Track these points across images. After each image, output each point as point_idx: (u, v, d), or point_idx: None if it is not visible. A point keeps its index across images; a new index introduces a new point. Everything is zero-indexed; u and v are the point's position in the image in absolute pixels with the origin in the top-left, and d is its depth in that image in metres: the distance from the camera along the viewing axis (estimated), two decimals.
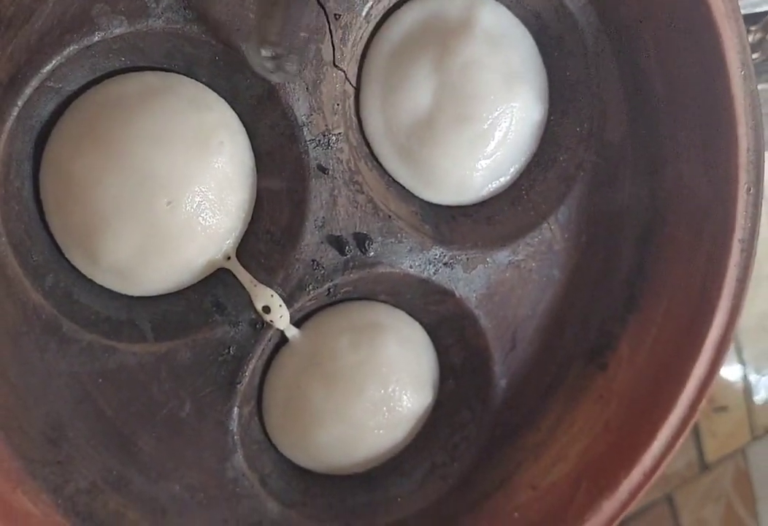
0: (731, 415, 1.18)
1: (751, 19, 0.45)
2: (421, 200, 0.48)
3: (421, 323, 0.50)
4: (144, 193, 0.40)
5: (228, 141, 0.42)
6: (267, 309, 0.44)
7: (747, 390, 1.20)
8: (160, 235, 0.41)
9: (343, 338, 0.47)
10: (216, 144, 0.41)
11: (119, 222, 0.41)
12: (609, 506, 0.48)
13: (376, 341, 0.48)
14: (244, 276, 0.44)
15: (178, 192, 0.41)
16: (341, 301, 0.49)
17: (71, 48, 0.38)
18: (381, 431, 0.48)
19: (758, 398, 1.19)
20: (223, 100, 0.43)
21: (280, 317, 0.44)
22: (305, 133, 0.42)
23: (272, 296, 0.44)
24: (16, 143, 0.39)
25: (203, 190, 0.42)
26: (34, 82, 0.38)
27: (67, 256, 0.42)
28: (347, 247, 0.45)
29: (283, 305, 0.44)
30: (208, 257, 0.44)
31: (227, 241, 0.44)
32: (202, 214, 0.42)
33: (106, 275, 0.43)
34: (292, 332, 0.47)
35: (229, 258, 0.44)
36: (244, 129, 0.44)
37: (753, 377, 1.20)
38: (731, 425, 1.19)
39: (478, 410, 0.51)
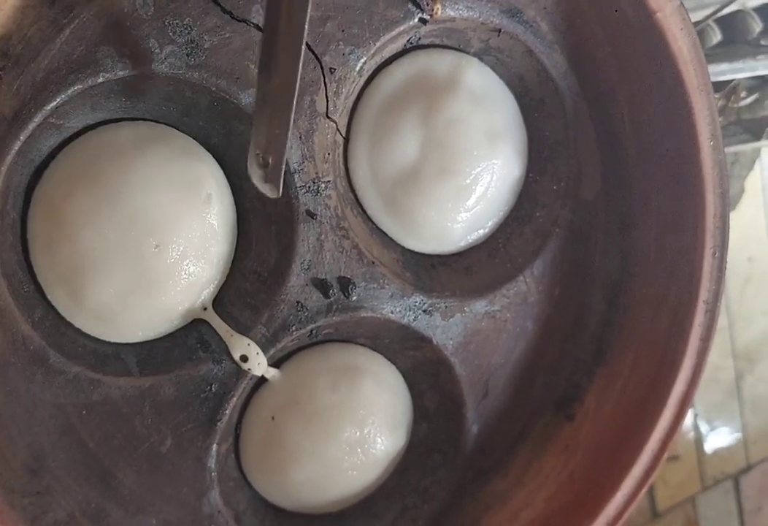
0: (683, 464, 1.18)
1: (715, 87, 0.45)
2: (403, 248, 0.48)
3: (397, 367, 0.49)
4: (133, 235, 0.40)
5: (215, 194, 0.41)
6: (244, 358, 0.43)
7: (698, 440, 1.19)
8: (146, 278, 0.40)
9: (322, 378, 0.46)
10: (204, 195, 0.41)
11: (107, 262, 0.40)
12: None
13: (354, 383, 0.47)
14: (220, 327, 0.43)
15: (166, 236, 0.40)
16: (322, 342, 0.48)
17: (75, 87, 0.37)
18: (355, 472, 0.47)
19: (708, 448, 1.19)
20: (210, 155, 0.43)
21: (258, 365, 0.43)
22: (296, 180, 0.42)
23: (249, 345, 0.43)
24: (15, 176, 0.39)
25: (189, 237, 0.41)
26: (38, 119, 0.37)
27: (48, 296, 0.41)
28: (331, 291, 0.44)
29: (260, 352, 0.43)
30: (188, 306, 0.42)
31: (205, 291, 0.43)
32: (187, 261, 0.41)
33: (87, 318, 0.42)
34: (271, 373, 0.46)
35: (205, 309, 0.43)
36: (228, 186, 0.43)
37: (704, 428, 1.19)
38: (682, 474, 1.18)
39: (449, 454, 0.50)
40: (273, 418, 0.46)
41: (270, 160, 0.37)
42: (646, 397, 0.48)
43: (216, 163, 0.43)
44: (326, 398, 0.46)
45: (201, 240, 0.41)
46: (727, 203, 0.46)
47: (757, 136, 0.73)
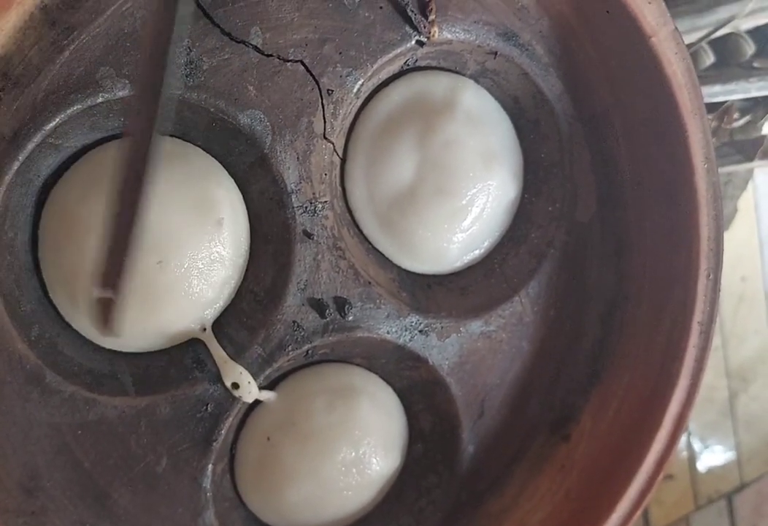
0: (677, 483, 1.17)
1: (708, 108, 0.45)
2: (399, 268, 0.48)
3: (393, 387, 0.49)
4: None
5: (228, 220, 0.41)
6: (236, 385, 0.43)
7: (692, 459, 1.19)
8: (145, 291, 0.40)
9: (318, 399, 0.46)
10: (216, 219, 0.41)
11: None
12: None
13: (350, 403, 0.47)
14: (216, 351, 0.42)
15: (170, 253, 0.40)
16: (317, 362, 0.48)
17: (75, 107, 0.37)
18: (350, 493, 0.47)
19: (702, 467, 1.18)
20: (232, 181, 0.43)
21: (249, 393, 0.43)
22: (293, 200, 0.42)
23: (241, 373, 0.42)
24: (13, 196, 0.39)
25: (193, 257, 0.41)
26: (37, 139, 0.37)
27: (52, 297, 0.41)
28: (327, 311, 0.44)
29: (252, 381, 0.43)
30: (186, 324, 0.42)
31: (206, 312, 0.43)
32: (188, 280, 0.41)
33: (84, 321, 0.41)
34: (265, 396, 0.45)
35: (204, 330, 0.43)
36: (246, 214, 0.43)
37: (698, 446, 1.19)
38: (677, 493, 1.18)
39: (445, 475, 0.49)
40: (269, 438, 0.46)
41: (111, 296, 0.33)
42: (641, 417, 0.48)
43: (236, 187, 0.43)
44: (322, 419, 0.46)
45: (206, 262, 0.41)
46: (721, 225, 0.46)
47: (749, 157, 0.73)
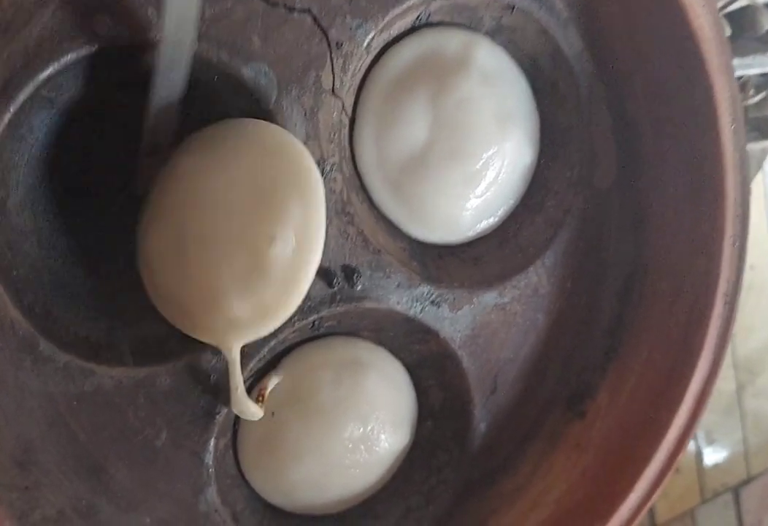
0: (683, 476, 1.16)
1: None
2: (409, 238, 0.46)
3: (402, 361, 0.47)
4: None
5: None
6: (241, 413, 0.40)
7: (698, 453, 1.17)
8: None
9: (324, 373, 0.44)
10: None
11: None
12: None
13: (357, 377, 0.44)
14: (235, 378, 0.39)
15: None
16: (324, 335, 0.46)
17: (69, 56, 0.35)
18: (357, 471, 0.45)
19: (708, 460, 1.17)
20: None
21: (254, 416, 0.41)
22: None
23: (248, 405, 0.40)
24: (4, 152, 0.36)
25: None
26: (28, 90, 0.35)
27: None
28: (335, 280, 0.42)
29: (258, 411, 0.40)
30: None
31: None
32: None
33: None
34: (274, 382, 0.43)
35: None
36: None
37: (704, 440, 1.18)
38: (682, 486, 1.16)
39: (455, 453, 0.47)
40: (273, 413, 0.44)
41: None
42: (660, 394, 0.46)
43: None
44: (328, 394, 0.44)
45: None
46: (747, 190, 0.44)
47: (765, 135, 0.71)
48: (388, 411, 0.45)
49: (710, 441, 1.20)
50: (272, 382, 0.43)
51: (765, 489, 1.27)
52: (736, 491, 1.22)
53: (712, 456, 1.19)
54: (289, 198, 0.37)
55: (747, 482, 1.23)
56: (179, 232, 0.38)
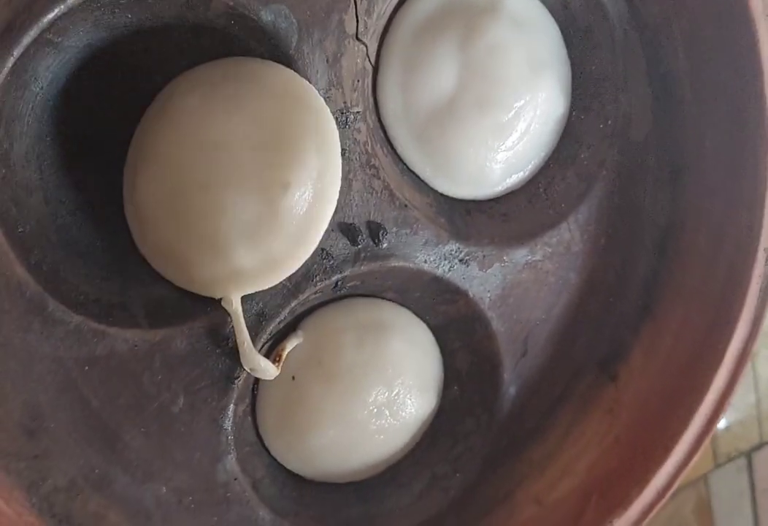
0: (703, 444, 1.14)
1: None
2: (435, 192, 0.43)
3: (427, 323, 0.45)
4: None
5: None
6: (253, 370, 0.38)
7: None
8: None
9: (347, 336, 0.42)
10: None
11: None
12: (620, 524, 0.43)
13: (381, 340, 0.42)
14: (240, 330, 0.37)
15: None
16: (346, 296, 0.43)
17: None
18: (382, 436, 0.43)
19: (721, 424, 1.15)
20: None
21: (267, 373, 0.38)
22: None
23: (261, 363, 0.38)
24: (8, 100, 0.34)
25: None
26: (33, 32, 0.32)
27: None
28: (360, 237, 0.39)
29: (270, 365, 0.38)
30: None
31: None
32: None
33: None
34: (293, 343, 0.41)
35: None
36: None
37: None
38: None
39: (483, 419, 0.45)
40: (294, 377, 0.42)
41: None
42: (698, 355, 0.44)
43: None
44: (351, 357, 0.42)
45: None
46: None
47: None
48: (413, 375, 0.43)
49: None
50: (291, 343, 0.41)
51: None
52: (749, 455, 1.21)
53: (725, 421, 1.18)
54: (305, 145, 0.35)
55: (760, 446, 1.22)
56: (178, 177, 0.36)
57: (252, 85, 0.36)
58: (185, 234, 0.36)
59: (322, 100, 0.36)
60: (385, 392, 0.42)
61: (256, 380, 0.42)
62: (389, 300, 0.44)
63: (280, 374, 0.41)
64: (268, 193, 0.35)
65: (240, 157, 0.35)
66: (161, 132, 0.37)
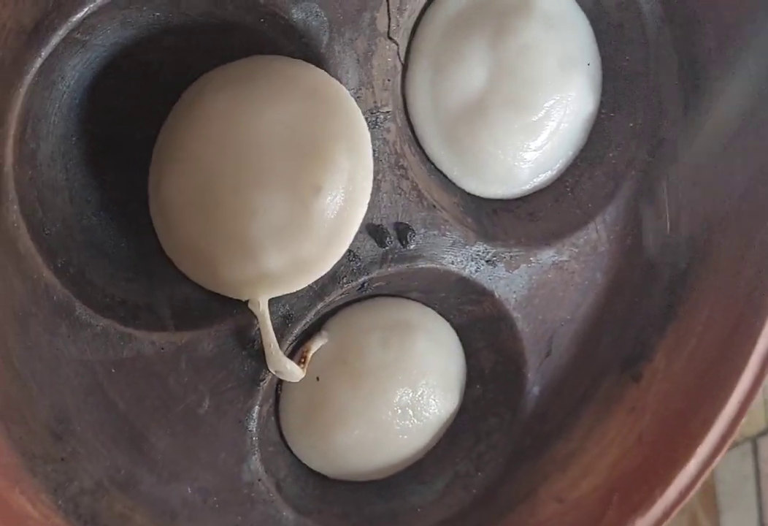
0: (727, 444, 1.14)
1: None
2: (463, 191, 0.43)
3: (451, 323, 0.45)
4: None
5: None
6: (279, 372, 0.38)
7: None
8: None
9: (372, 336, 0.42)
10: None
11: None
12: (642, 524, 0.42)
13: (406, 341, 0.42)
14: (267, 333, 0.37)
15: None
16: (371, 296, 0.43)
17: None
18: (405, 437, 0.43)
19: None
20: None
21: (292, 374, 0.38)
22: None
23: (287, 365, 0.38)
24: (35, 100, 0.33)
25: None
26: (62, 32, 0.32)
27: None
28: (387, 238, 0.39)
29: (296, 368, 0.38)
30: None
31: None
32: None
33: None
34: (318, 344, 0.41)
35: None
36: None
37: None
38: None
39: (506, 417, 0.45)
40: (318, 378, 0.41)
41: None
42: (722, 356, 0.44)
43: None
44: (376, 357, 0.42)
45: None
46: None
47: None
48: (437, 375, 0.43)
49: None
50: (316, 344, 0.41)
51: None
52: (754, 440, 1.21)
53: None
54: (337, 148, 0.35)
55: (766, 432, 1.22)
56: (207, 177, 0.35)
57: (282, 86, 0.35)
58: (213, 235, 0.36)
59: (353, 101, 0.35)
60: (409, 393, 0.42)
61: (280, 380, 0.41)
62: (414, 300, 0.44)
63: (304, 375, 0.40)
64: (300, 195, 0.34)
65: (270, 158, 0.35)
66: (189, 131, 0.36)
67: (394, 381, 0.42)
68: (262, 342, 0.37)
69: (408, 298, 0.44)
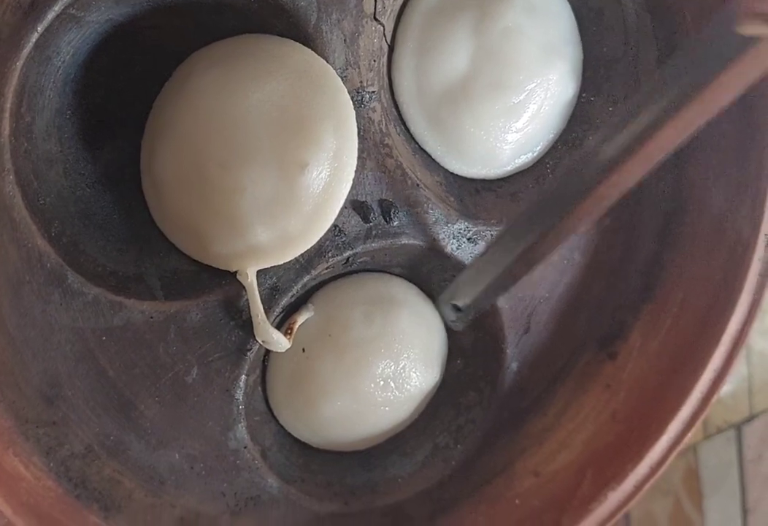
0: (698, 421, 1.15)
1: None
2: (446, 171, 0.44)
3: (434, 299, 0.46)
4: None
5: None
6: (265, 342, 0.39)
7: None
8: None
9: (356, 310, 0.43)
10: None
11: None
12: (614, 497, 0.44)
13: (390, 315, 0.43)
14: (255, 304, 0.38)
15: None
16: (356, 271, 0.44)
17: None
18: (387, 408, 0.44)
19: None
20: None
21: (279, 345, 0.39)
22: None
23: (274, 336, 0.39)
24: (31, 74, 0.34)
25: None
26: (57, 8, 0.33)
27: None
28: (372, 215, 0.40)
29: (283, 338, 0.39)
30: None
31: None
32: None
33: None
34: (305, 316, 0.42)
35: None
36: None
37: None
38: None
39: (486, 392, 0.46)
40: (304, 350, 0.42)
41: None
42: (696, 336, 0.45)
43: None
44: (360, 330, 0.43)
45: None
46: None
47: None
48: (419, 349, 0.44)
49: None
50: (302, 316, 0.42)
51: (767, 426, 1.27)
52: (738, 427, 1.22)
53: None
54: (323, 126, 0.36)
55: (749, 419, 1.24)
56: (197, 153, 0.36)
57: (271, 64, 0.36)
58: (203, 209, 0.37)
59: (340, 81, 0.36)
60: (391, 366, 0.43)
61: (267, 351, 0.43)
62: (397, 275, 0.45)
63: (291, 345, 0.42)
64: (286, 171, 0.35)
65: (258, 136, 0.36)
66: (180, 107, 0.37)
67: (377, 354, 0.43)
68: (250, 313, 0.38)
69: (392, 273, 0.45)
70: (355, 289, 0.44)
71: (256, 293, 0.38)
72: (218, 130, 0.36)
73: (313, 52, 0.37)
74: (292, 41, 0.37)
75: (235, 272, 0.38)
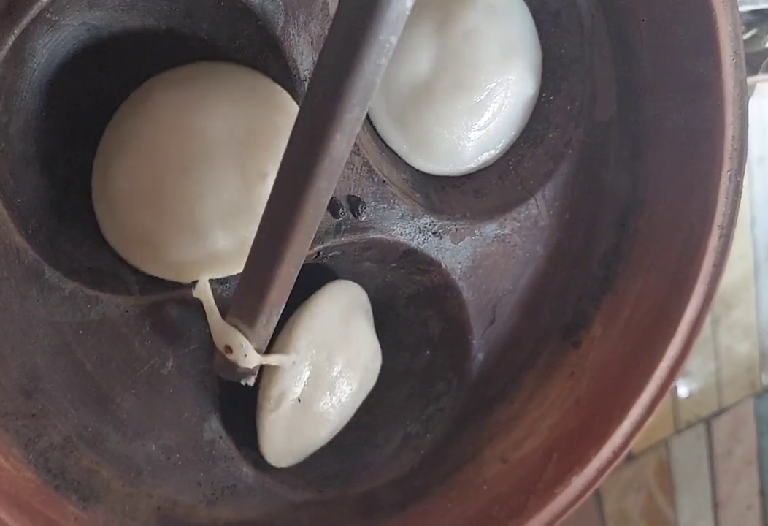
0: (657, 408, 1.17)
1: None
2: (412, 168, 0.45)
3: (402, 292, 0.47)
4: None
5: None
6: (228, 349, 0.37)
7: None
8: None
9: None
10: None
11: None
12: (578, 481, 0.45)
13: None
14: (210, 310, 0.37)
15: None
16: (326, 266, 0.45)
17: None
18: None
19: (682, 392, 1.19)
20: None
21: (245, 357, 0.37)
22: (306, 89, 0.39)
23: (242, 344, 0.36)
24: (8, 76, 0.35)
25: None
26: (33, 12, 0.34)
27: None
28: (341, 210, 0.41)
29: (248, 346, 0.36)
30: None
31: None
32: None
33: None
34: (273, 360, 0.40)
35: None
36: None
37: None
38: (656, 417, 1.18)
39: (453, 382, 0.48)
40: None
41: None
42: (654, 324, 0.47)
43: None
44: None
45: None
46: (746, 125, 0.44)
47: (754, 70, 0.71)
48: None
49: (684, 373, 1.22)
50: (273, 358, 0.41)
51: (735, 420, 1.30)
52: (708, 422, 1.24)
53: (686, 388, 1.21)
54: (280, 139, 0.37)
55: (718, 413, 1.26)
56: (157, 162, 0.37)
57: (228, 89, 0.38)
58: (161, 217, 0.38)
59: (295, 104, 0.38)
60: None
61: None
62: (364, 271, 0.46)
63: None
64: (247, 180, 0.37)
65: (219, 145, 0.37)
66: (137, 122, 0.38)
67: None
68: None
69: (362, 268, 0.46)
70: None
71: (213, 301, 0.37)
72: (178, 140, 0.37)
73: (264, 76, 0.39)
74: (245, 67, 0.38)
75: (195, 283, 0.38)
